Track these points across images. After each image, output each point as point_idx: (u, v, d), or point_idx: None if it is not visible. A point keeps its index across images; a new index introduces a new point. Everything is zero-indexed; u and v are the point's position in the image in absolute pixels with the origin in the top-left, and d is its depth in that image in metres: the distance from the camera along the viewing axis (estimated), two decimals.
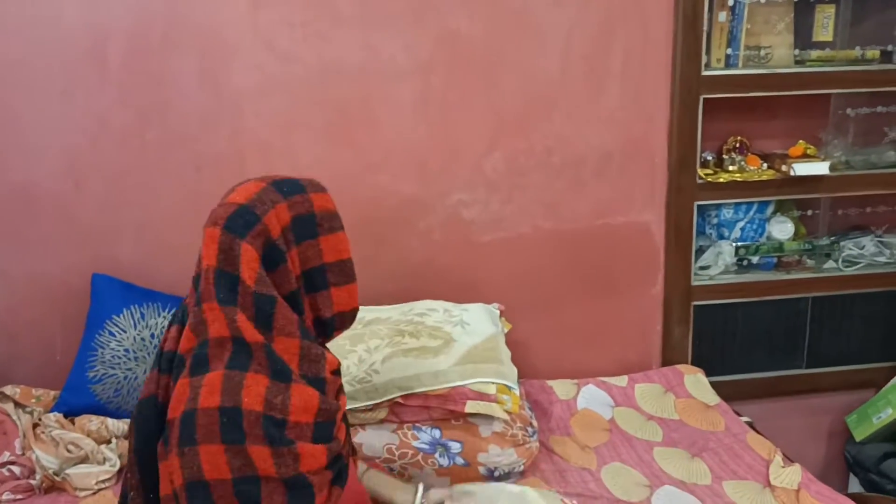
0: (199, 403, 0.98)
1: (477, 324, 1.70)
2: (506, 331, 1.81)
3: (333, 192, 1.78)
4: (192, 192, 1.77)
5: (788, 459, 1.66)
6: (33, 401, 1.70)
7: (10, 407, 1.64)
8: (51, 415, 1.64)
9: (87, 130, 1.73)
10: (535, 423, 1.64)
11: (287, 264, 1.06)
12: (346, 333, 1.27)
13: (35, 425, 1.62)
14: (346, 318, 1.15)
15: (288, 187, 1.10)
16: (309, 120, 1.80)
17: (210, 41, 1.72)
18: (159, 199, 1.79)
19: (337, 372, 1.13)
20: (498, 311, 1.83)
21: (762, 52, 1.94)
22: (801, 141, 2.01)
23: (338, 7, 1.75)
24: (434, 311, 1.74)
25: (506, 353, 1.70)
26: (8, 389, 1.68)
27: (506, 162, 1.89)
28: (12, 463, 1.55)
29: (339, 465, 1.06)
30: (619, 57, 1.87)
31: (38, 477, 1.53)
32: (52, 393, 1.72)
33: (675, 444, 1.73)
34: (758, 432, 1.79)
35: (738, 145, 2.02)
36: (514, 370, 1.66)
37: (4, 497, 1.51)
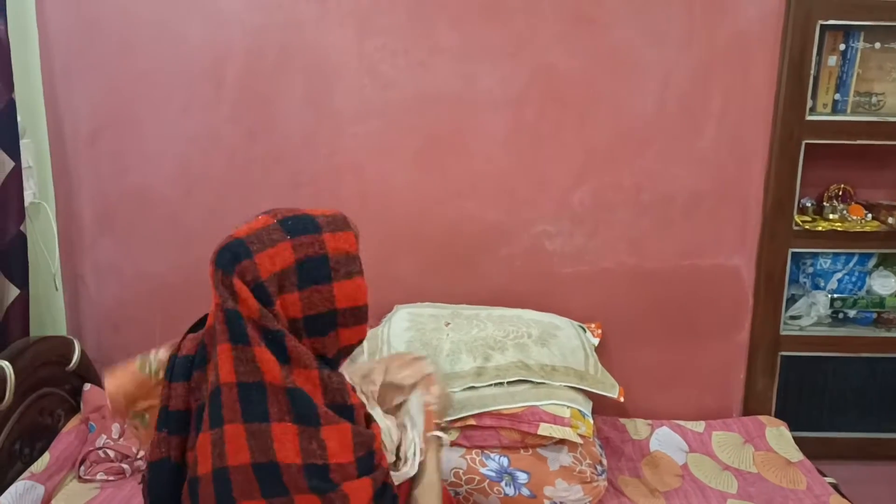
0: (227, 461, 0.94)
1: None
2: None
3: (420, 215, 1.90)
4: None
5: None
6: None
7: None
8: None
9: (201, 143, 1.86)
10: (604, 461, 1.62)
11: (275, 308, 0.98)
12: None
13: None
14: (351, 350, 1.08)
15: (296, 225, 1.01)
16: (403, 144, 1.86)
17: (317, 65, 1.82)
18: (258, 212, 1.89)
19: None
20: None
21: (874, 99, 1.87)
22: None
23: (439, 37, 1.81)
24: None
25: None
26: None
27: (593, 196, 1.89)
28: (109, 447, 1.67)
29: (387, 495, 1.01)
30: (718, 98, 1.84)
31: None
32: None
33: (751, 499, 1.67)
34: (843, 496, 1.70)
35: (840, 193, 1.94)
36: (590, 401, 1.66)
37: (98, 477, 1.64)
